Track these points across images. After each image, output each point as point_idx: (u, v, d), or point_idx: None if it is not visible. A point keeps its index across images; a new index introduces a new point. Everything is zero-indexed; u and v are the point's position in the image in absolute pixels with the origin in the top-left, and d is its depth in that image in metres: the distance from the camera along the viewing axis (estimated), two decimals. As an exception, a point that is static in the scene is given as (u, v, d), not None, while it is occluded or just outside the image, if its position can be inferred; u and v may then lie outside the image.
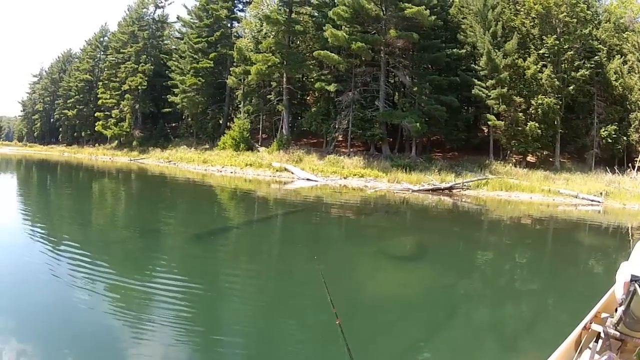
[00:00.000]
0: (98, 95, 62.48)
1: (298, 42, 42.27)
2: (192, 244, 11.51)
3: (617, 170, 28.37)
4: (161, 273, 8.51)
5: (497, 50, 31.36)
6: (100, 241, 11.49)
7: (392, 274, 9.49)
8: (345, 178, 30.42)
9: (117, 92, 58.27)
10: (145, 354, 5.19)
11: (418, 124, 31.50)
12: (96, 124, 61.53)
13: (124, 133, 57.84)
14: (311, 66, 38.83)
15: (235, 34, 49.45)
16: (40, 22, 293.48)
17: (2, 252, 9.43)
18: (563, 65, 32.42)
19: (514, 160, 32.47)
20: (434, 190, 26.36)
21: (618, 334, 3.35)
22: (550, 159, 33.51)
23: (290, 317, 6.67)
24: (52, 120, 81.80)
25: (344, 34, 32.46)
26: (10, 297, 6.70)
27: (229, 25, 49.89)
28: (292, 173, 32.38)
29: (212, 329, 6.16)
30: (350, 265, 10.08)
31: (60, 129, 78.78)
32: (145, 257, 9.84)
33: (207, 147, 46.21)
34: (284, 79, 40.01)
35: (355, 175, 30.52)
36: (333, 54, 34.09)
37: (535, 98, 31.14)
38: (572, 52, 31.80)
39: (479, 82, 32.12)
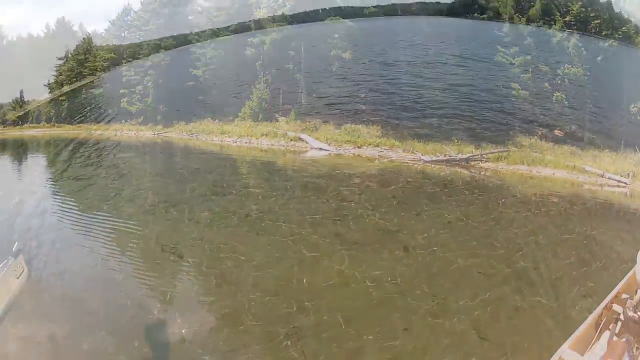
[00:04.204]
0: (122, 73, 63.09)
1: (320, 11, 41.51)
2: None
3: (646, 150, 26.86)
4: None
5: (520, 16, 30.13)
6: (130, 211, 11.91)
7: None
8: (359, 147, 29.82)
9: (140, 69, 58.77)
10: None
11: (437, 91, 30.55)
12: (121, 101, 62.21)
13: (149, 108, 58.37)
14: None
15: (255, 4, 48.95)
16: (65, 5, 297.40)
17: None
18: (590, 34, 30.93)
19: (540, 134, 31.11)
20: (449, 162, 25.53)
21: (637, 316, 3.53)
22: (579, 134, 31.99)
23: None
24: (78, 100, 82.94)
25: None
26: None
27: (249, -4, 49.42)
28: (306, 142, 31.90)
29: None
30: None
31: (87, 108, 79.93)
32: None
33: (231, 118, 46.11)
34: (302, 48, 39.50)
35: (370, 144, 29.86)
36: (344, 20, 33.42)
37: (562, 68, 29.74)
38: (598, 21, 30.27)
39: (502, 49, 30.84)
